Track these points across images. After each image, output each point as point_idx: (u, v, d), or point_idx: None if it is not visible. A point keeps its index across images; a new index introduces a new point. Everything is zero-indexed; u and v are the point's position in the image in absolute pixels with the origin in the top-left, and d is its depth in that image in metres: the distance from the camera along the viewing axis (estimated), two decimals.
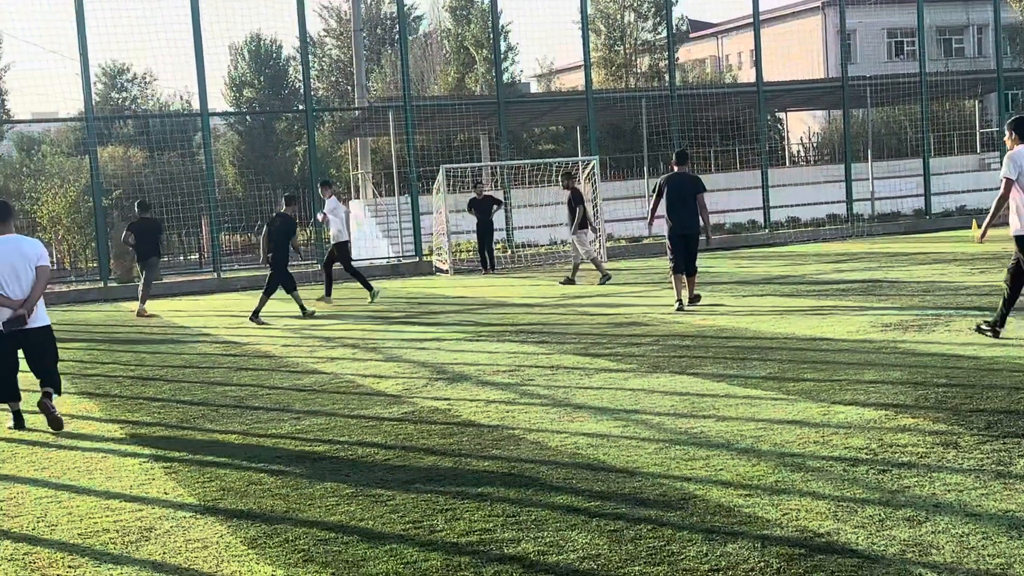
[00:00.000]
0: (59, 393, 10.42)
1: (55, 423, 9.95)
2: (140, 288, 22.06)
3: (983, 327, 11.82)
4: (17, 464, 8.77)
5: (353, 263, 22.64)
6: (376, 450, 8.36)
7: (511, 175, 34.47)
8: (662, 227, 17.51)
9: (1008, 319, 11.80)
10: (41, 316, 10.25)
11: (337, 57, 69.59)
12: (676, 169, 17.12)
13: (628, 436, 8.32)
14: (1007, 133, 11.57)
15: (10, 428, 10.26)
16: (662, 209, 16.99)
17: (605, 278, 22.35)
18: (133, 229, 21.88)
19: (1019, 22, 53.42)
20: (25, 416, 10.40)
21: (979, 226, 32.40)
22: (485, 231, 28.15)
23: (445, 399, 10.36)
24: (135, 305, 21.97)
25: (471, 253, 31.61)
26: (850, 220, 35.54)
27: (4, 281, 9.96)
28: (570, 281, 22.88)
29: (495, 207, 28.00)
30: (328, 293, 22.12)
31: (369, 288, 21.52)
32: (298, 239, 21.32)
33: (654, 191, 17.36)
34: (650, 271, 25.28)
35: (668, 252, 16.91)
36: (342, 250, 21.98)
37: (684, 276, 16.77)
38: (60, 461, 8.76)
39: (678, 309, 16.39)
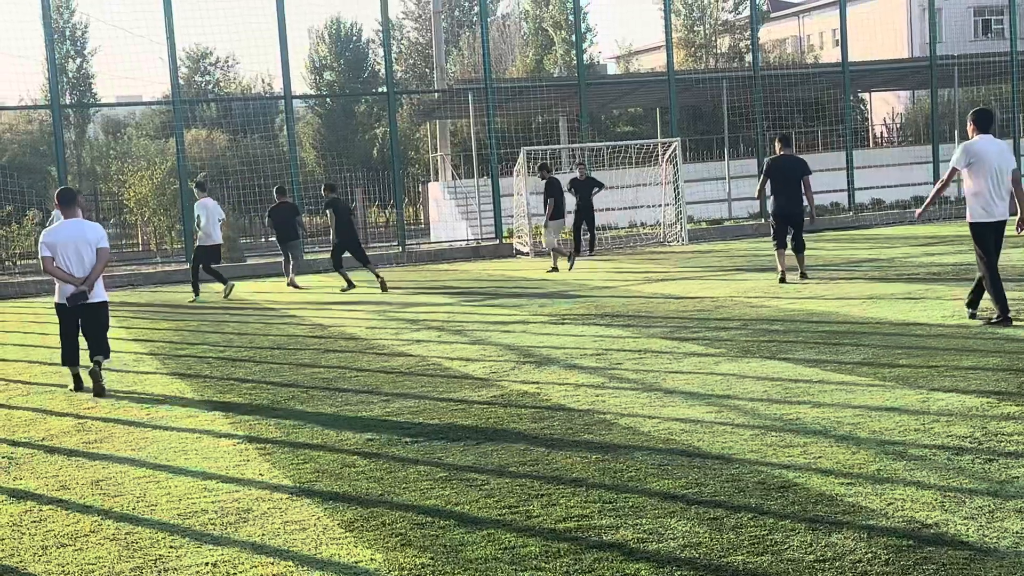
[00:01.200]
0: (108, 357, 11.56)
1: (99, 391, 11.09)
2: (286, 267, 23.71)
3: (994, 319, 12.00)
4: (115, 444, 8.90)
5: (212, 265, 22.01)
6: (467, 433, 8.35)
7: (591, 157, 34.28)
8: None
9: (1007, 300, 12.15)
10: (99, 293, 11.37)
11: (416, 39, 69.80)
12: (781, 151, 18.01)
13: (722, 422, 8.22)
14: (968, 124, 12.24)
15: (70, 391, 11.44)
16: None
17: (571, 262, 23.33)
18: (272, 214, 23.49)
19: None
20: (109, 392, 11.15)
21: None
22: (585, 213, 27.53)
23: (534, 382, 10.32)
24: (218, 286, 22.21)
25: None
26: (937, 202, 34.86)
27: (68, 261, 11.13)
28: (554, 269, 23.45)
29: (596, 189, 27.33)
30: (195, 292, 21.88)
31: (224, 281, 21.50)
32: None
33: (762, 173, 18.62)
34: (733, 253, 25.02)
35: (771, 229, 18.11)
36: (205, 251, 21.68)
37: (785, 251, 17.77)
38: (156, 441, 8.87)
39: (780, 281, 17.42)
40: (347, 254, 21.58)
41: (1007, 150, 12.26)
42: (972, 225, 12.04)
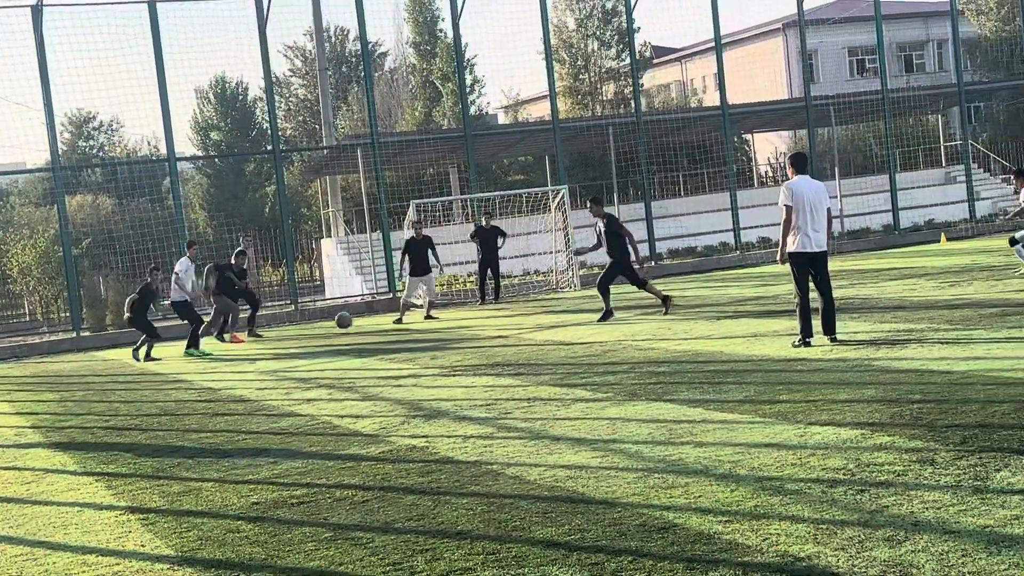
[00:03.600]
0: None
1: None
2: (227, 323, 23.82)
3: (796, 343, 13.50)
4: None
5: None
6: (354, 491, 8.31)
7: (480, 207, 34.51)
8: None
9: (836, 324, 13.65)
10: None
11: (304, 96, 69.70)
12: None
13: (606, 466, 8.30)
14: (788, 166, 13.81)
15: None
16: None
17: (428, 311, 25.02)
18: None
19: (977, 36, 53.99)
20: None
21: (948, 239, 32.65)
22: (490, 261, 27.60)
23: (423, 436, 10.32)
24: (108, 353, 21.90)
25: (442, 287, 31.59)
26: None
27: None
28: (430, 317, 24.83)
29: (501, 240, 27.53)
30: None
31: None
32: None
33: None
34: (623, 297, 25.29)
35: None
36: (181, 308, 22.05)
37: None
38: (35, 517, 8.67)
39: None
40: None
41: (823, 189, 13.57)
42: (792, 255, 13.35)
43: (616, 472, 8.08)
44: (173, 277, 22.07)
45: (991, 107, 54.98)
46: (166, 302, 23.45)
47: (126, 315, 21.30)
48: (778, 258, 13.71)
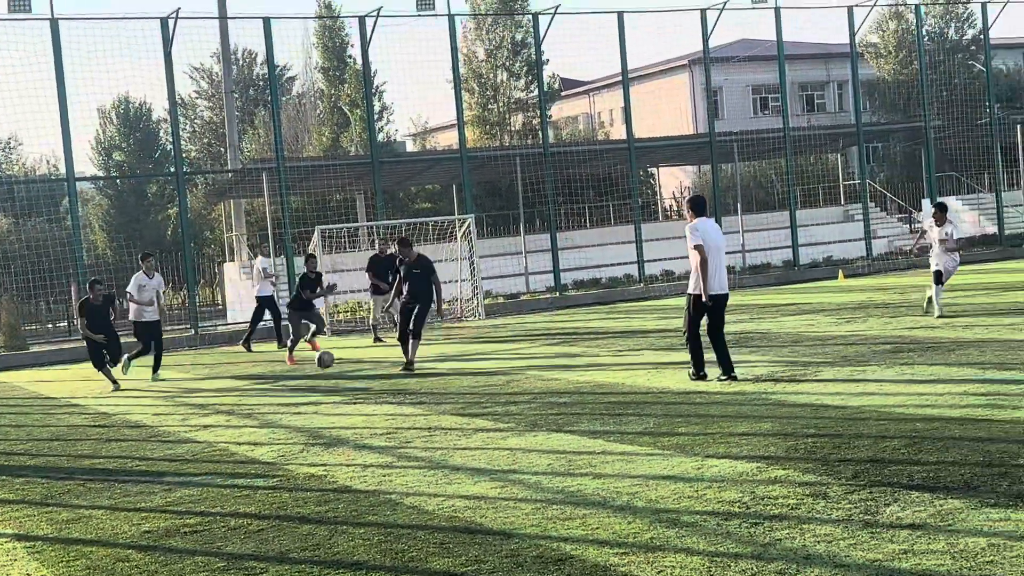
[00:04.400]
0: None
1: None
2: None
3: (693, 376, 13.66)
4: None
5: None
6: (249, 520, 8.19)
7: (388, 234, 34.37)
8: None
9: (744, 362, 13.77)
10: None
11: (209, 118, 68.92)
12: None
13: (505, 497, 8.29)
14: (686, 209, 13.87)
15: None
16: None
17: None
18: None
19: (876, 78, 55.38)
20: None
21: (846, 276, 33.31)
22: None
23: (321, 465, 10.22)
24: (8, 375, 21.20)
25: (347, 314, 31.39)
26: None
27: None
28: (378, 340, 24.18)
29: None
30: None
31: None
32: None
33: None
34: (528, 327, 25.37)
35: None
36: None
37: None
38: None
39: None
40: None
41: (721, 231, 13.78)
42: (696, 296, 13.32)
43: (515, 503, 8.07)
44: (128, 296, 20.24)
45: (888, 148, 56.38)
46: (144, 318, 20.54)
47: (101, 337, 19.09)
48: (704, 298, 13.31)
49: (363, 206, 44.97)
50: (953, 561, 5.90)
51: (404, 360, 17.77)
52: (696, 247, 13.18)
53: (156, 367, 20.22)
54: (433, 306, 18.06)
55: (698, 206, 13.59)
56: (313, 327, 21.66)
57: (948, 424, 9.55)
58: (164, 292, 21.55)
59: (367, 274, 24.30)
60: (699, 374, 13.56)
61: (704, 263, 13.14)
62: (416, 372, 17.49)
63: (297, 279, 23.54)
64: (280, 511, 8.44)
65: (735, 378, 13.33)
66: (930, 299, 19.46)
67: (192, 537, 7.83)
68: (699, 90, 57.41)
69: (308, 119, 62.74)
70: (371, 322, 25.28)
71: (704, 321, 13.57)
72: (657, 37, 52.70)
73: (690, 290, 13.49)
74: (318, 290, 21.56)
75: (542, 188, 36.33)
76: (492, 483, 8.80)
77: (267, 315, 26.44)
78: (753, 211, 45.06)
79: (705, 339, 13.64)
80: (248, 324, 26.69)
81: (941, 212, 20.15)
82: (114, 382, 18.86)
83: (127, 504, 9.16)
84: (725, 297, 13.53)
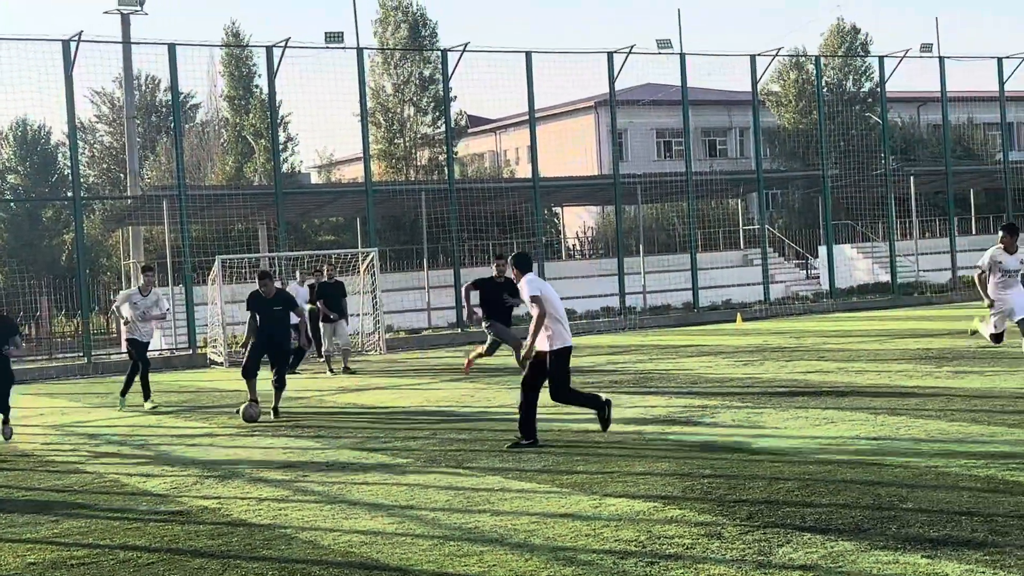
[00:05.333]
0: None
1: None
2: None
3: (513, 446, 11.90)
4: None
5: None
6: (139, 553, 8.01)
7: (288, 266, 34.12)
8: None
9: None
10: None
11: (109, 144, 67.89)
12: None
13: (402, 533, 8.23)
14: (511, 267, 12.61)
15: None
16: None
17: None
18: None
19: (777, 126, 56.57)
20: None
21: (744, 320, 33.80)
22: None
23: (215, 497, 10.04)
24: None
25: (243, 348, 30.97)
26: (623, 313, 36.56)
27: None
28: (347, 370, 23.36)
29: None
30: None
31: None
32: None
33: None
34: (429, 362, 25.30)
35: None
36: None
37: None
38: None
39: None
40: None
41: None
42: (559, 352, 11.91)
43: (412, 539, 8.02)
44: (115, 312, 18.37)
45: (787, 195, 57.53)
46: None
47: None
48: (522, 357, 12.24)
49: (266, 237, 44.52)
50: None
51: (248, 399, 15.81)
52: (533, 298, 11.78)
53: (146, 394, 18.34)
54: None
55: (523, 263, 12.35)
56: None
57: (840, 467, 9.73)
58: (165, 312, 19.93)
59: (317, 304, 23.47)
60: (605, 415, 12.27)
61: (541, 318, 11.72)
62: (315, 406, 17.30)
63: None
64: (172, 544, 8.27)
65: (608, 408, 12.28)
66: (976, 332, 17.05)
67: (79, 570, 7.64)
68: (604, 132, 58.04)
69: (212, 147, 62.11)
70: (324, 352, 24.00)
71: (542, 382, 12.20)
72: (564, 78, 53.08)
73: (551, 347, 11.92)
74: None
75: (446, 224, 36.37)
76: (389, 518, 8.74)
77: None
78: (655, 253, 45.57)
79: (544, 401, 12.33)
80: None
81: (1011, 236, 15.35)
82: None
83: (12, 535, 8.90)
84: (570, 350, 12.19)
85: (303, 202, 42.61)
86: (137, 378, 18.62)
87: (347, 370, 23.25)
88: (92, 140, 68.44)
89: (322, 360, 24.31)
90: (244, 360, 16.21)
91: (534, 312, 11.89)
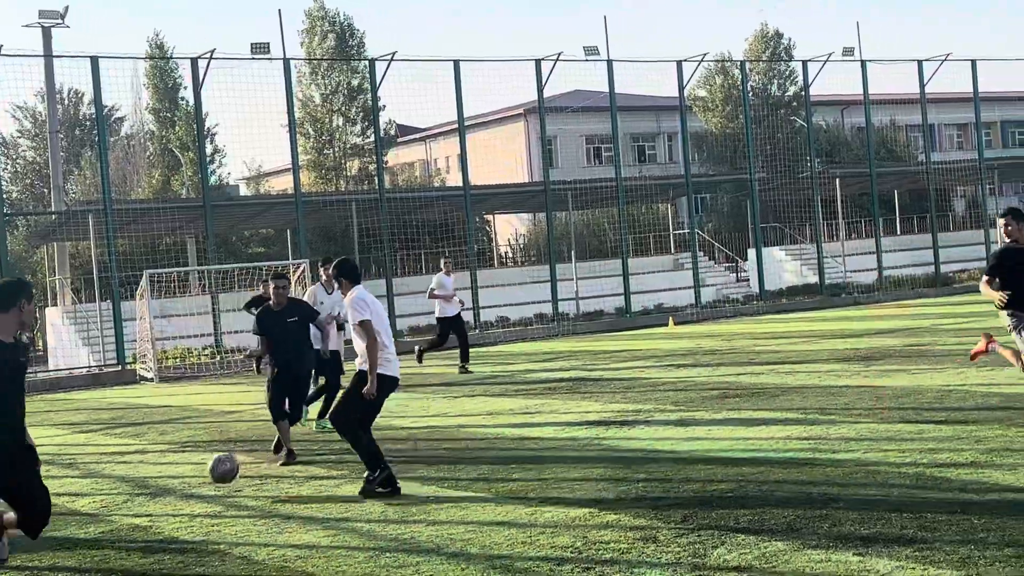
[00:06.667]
0: None
1: None
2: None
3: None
4: None
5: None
6: (69, 574, 7.87)
7: (219, 279, 33.81)
8: None
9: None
10: None
11: (32, 159, 66.86)
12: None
13: (337, 546, 8.18)
14: (336, 274, 10.65)
15: None
16: None
17: None
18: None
19: (704, 130, 57.10)
20: None
21: (676, 323, 34.04)
22: None
23: (147, 515, 9.91)
24: None
25: (177, 360, 30.66)
26: (556, 319, 36.66)
27: None
28: None
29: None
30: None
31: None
32: None
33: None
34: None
35: None
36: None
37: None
38: None
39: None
40: None
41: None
42: (386, 379, 10.18)
43: (347, 551, 7.97)
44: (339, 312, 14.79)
45: (716, 199, 58.08)
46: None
47: None
48: (371, 389, 10.03)
49: (194, 250, 44.07)
50: None
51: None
52: (362, 323, 10.04)
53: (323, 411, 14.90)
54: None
55: (352, 273, 10.45)
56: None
57: (772, 468, 9.82)
58: (339, 315, 15.01)
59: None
60: (392, 487, 9.98)
61: (374, 342, 9.99)
62: (248, 420, 17.15)
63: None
64: (102, 564, 8.14)
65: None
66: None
67: None
68: (534, 139, 58.23)
69: (137, 161, 61.37)
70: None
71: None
72: (494, 86, 53.24)
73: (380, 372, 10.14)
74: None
75: (378, 234, 36.23)
76: (324, 532, 8.67)
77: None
78: (587, 259, 45.77)
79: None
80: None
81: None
82: None
83: None
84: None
85: (232, 214, 42.22)
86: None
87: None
88: (15, 155, 67.41)
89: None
90: (268, 399, 12.93)
91: (362, 338, 10.08)
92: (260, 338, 13.43)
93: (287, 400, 12.89)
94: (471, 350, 23.82)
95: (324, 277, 16.14)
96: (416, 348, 23.67)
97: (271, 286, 13.42)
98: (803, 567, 6.67)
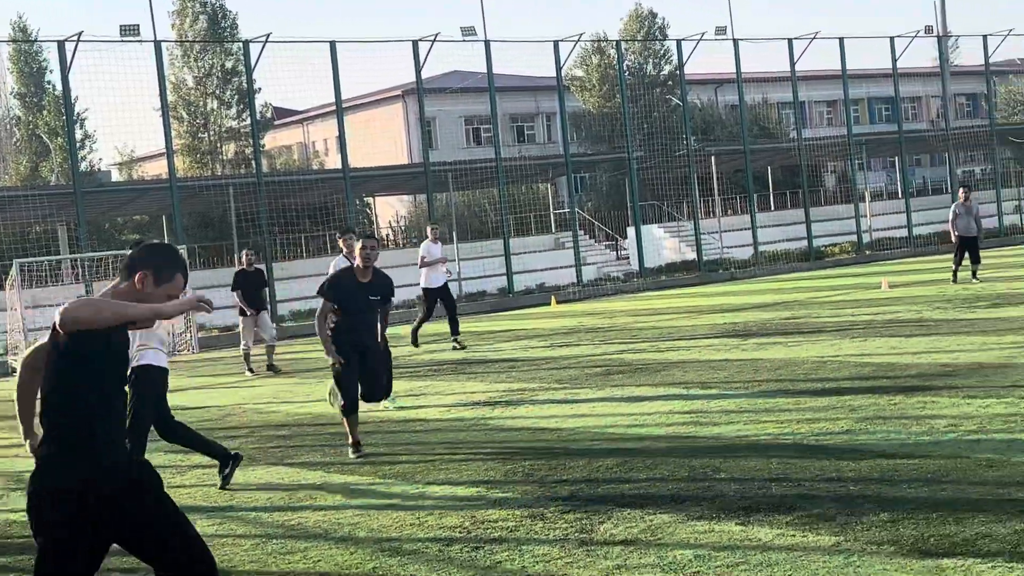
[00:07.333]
0: None
1: None
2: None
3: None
4: None
5: None
6: None
7: (93, 267, 33.01)
8: None
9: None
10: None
11: None
12: None
13: (223, 534, 8.08)
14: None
15: None
16: None
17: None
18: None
19: (582, 110, 57.48)
20: None
21: (558, 302, 34.26)
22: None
23: (22, 510, 9.62)
24: None
25: None
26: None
27: None
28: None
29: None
30: None
31: None
32: None
33: None
34: (241, 360, 24.80)
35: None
36: None
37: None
38: None
39: None
40: None
41: None
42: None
43: (233, 539, 7.88)
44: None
45: (595, 178, 58.56)
46: None
47: None
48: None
49: (66, 238, 42.97)
50: (663, 574, 6.16)
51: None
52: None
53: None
54: None
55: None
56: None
57: (656, 442, 9.97)
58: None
59: (234, 294, 20.82)
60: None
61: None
62: None
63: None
64: None
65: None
66: None
67: None
68: (413, 120, 57.98)
69: (4, 147, 59.57)
70: (242, 350, 21.01)
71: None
72: (371, 67, 52.86)
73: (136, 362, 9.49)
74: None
75: (256, 218, 35.76)
76: (208, 520, 8.55)
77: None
78: (468, 240, 45.80)
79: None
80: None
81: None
82: None
83: None
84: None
85: (104, 201, 41.27)
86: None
87: (272, 368, 20.50)
88: None
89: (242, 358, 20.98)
90: (338, 388, 10.93)
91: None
92: (324, 305, 10.83)
93: (360, 387, 10.85)
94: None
95: (345, 249, 15.82)
96: (412, 331, 22.21)
97: (357, 245, 10.87)
98: (687, 538, 6.79)
